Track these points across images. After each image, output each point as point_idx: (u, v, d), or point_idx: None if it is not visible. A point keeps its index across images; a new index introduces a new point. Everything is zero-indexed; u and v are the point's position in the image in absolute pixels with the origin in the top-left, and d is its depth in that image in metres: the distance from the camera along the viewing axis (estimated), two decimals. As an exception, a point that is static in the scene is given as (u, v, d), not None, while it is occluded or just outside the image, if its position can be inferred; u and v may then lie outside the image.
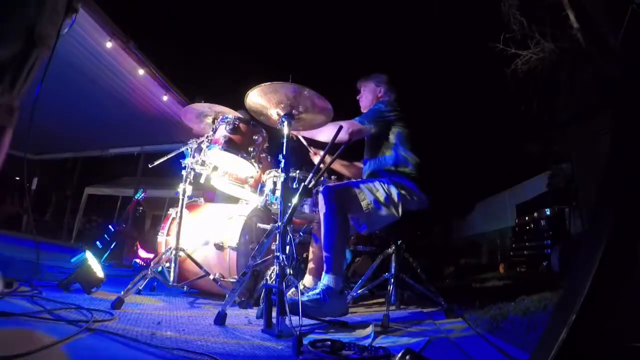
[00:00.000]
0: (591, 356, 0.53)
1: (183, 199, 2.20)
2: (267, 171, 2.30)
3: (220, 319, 1.50)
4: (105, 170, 12.86)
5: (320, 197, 1.84)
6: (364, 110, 2.38)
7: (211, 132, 2.24)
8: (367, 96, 2.39)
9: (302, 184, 1.70)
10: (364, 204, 1.89)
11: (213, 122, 2.32)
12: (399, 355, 0.89)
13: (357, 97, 2.46)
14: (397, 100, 2.26)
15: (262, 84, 1.67)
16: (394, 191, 1.93)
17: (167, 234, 2.55)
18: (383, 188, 1.93)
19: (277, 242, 1.58)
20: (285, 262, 1.50)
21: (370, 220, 1.93)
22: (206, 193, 3.44)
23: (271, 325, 1.42)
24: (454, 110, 12.10)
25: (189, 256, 2.15)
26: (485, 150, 11.75)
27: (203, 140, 2.25)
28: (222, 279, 2.13)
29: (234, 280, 1.98)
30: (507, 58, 6.03)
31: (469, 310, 1.93)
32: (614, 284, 0.55)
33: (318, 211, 2.00)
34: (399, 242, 2.11)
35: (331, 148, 1.73)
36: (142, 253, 4.04)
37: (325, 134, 2.05)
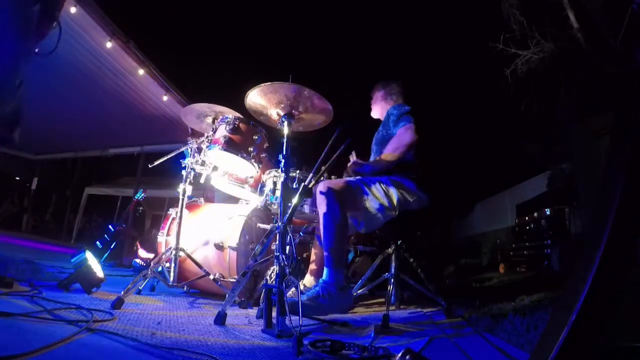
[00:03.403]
0: (591, 356, 0.53)
1: (183, 199, 2.20)
2: (267, 171, 2.30)
3: (220, 319, 1.50)
4: (105, 170, 12.87)
5: (319, 196, 1.84)
6: (376, 115, 2.39)
7: (211, 132, 2.24)
8: (378, 102, 2.39)
9: (302, 184, 1.70)
10: (362, 203, 1.88)
11: (213, 122, 2.32)
12: (399, 355, 0.88)
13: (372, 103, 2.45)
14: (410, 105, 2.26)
15: (262, 84, 1.67)
16: (392, 191, 1.92)
17: (167, 234, 2.55)
18: (382, 187, 1.93)
19: (277, 242, 1.58)
20: (285, 262, 1.49)
21: (369, 220, 1.92)
22: (206, 193, 3.43)
23: (271, 325, 1.42)
24: (454, 111, 12.10)
25: (189, 256, 2.15)
26: (485, 150, 11.75)
27: (203, 140, 2.26)
28: (222, 279, 2.13)
29: (234, 280, 1.98)
30: (507, 58, 6.03)
31: (469, 310, 1.93)
32: (614, 284, 0.55)
33: (318, 211, 2.00)
34: (399, 242, 2.11)
35: (331, 148, 1.73)
36: (142, 253, 4.03)
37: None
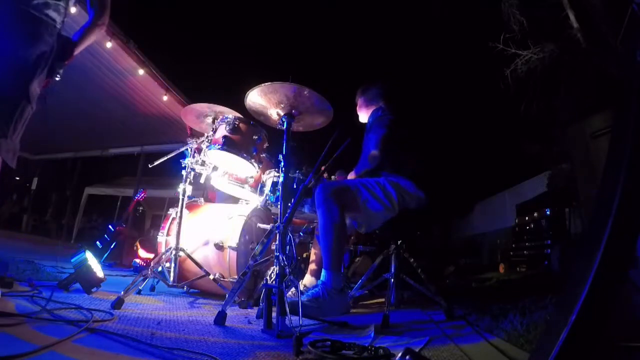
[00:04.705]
0: (591, 356, 0.53)
1: (183, 199, 2.20)
2: (267, 171, 2.30)
3: (220, 319, 1.50)
4: (105, 170, 12.86)
5: (318, 198, 1.84)
6: (363, 121, 2.40)
7: (211, 132, 2.24)
8: (362, 109, 2.40)
9: (302, 184, 1.70)
10: (362, 204, 1.88)
11: (213, 122, 2.32)
12: (399, 355, 0.88)
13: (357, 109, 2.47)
14: (390, 105, 2.26)
15: (262, 84, 1.68)
16: (390, 190, 1.93)
17: (167, 234, 2.55)
18: (379, 186, 1.93)
19: (277, 242, 1.58)
20: (285, 262, 1.49)
21: (368, 219, 1.92)
22: (207, 193, 3.43)
23: (271, 325, 1.42)
24: (454, 111, 12.10)
25: (189, 256, 2.15)
26: (485, 150, 11.76)
27: (203, 140, 2.26)
28: (222, 279, 2.13)
29: (234, 280, 1.98)
30: (507, 58, 6.02)
31: (469, 310, 1.93)
32: (613, 284, 0.55)
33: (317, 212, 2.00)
34: (399, 242, 2.11)
35: (330, 148, 1.74)
36: (142, 253, 4.03)
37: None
